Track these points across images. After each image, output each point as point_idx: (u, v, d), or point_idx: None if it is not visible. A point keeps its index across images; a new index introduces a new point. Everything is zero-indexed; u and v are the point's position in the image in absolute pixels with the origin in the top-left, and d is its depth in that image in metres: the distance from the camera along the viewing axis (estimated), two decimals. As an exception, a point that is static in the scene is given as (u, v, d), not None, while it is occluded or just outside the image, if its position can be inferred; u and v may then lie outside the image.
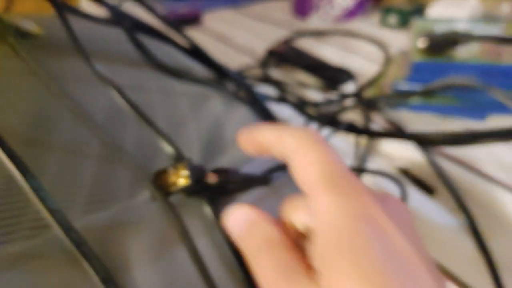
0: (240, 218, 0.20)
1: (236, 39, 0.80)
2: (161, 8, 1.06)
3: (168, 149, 0.26)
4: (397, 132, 0.35)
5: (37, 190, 0.19)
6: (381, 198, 0.17)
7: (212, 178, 0.24)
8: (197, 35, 0.85)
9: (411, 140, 0.33)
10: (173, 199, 0.24)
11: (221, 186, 0.25)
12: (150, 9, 0.39)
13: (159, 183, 0.23)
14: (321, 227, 0.16)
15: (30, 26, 0.41)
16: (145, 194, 0.24)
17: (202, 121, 0.33)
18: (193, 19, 0.89)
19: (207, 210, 0.24)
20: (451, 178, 0.37)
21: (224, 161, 0.29)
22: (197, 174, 0.23)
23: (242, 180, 0.26)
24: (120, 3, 0.52)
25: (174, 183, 0.23)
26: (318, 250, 0.16)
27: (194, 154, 0.29)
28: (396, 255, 0.15)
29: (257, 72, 0.62)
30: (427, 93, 0.43)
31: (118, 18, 0.37)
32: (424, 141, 0.32)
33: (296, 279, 0.16)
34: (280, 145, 0.19)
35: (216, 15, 0.98)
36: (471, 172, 0.39)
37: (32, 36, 0.41)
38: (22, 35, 0.42)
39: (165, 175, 0.24)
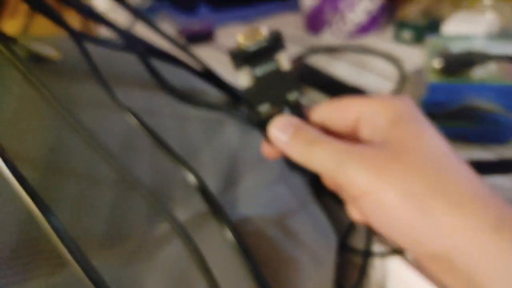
0: (285, 123, 0.22)
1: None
2: (174, 25, 1.07)
3: (189, 177, 0.26)
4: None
5: (56, 228, 0.20)
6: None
7: None
8: (210, 52, 0.85)
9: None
10: (191, 225, 0.24)
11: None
12: (162, 33, 0.39)
13: None
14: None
15: (48, 51, 0.42)
16: (162, 228, 0.24)
17: (217, 148, 0.33)
18: (206, 36, 0.90)
19: (229, 235, 0.24)
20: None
21: (241, 189, 0.29)
22: None
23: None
24: (131, 25, 0.52)
25: None
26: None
27: (209, 182, 0.29)
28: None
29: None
30: (445, 116, 0.43)
31: (131, 43, 0.38)
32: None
33: (353, 159, 0.19)
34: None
35: (228, 31, 0.99)
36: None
37: (50, 61, 0.42)
38: (40, 60, 0.42)
39: None
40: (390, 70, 0.67)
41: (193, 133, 0.34)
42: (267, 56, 0.22)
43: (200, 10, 1.06)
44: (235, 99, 0.42)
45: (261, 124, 0.22)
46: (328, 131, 0.23)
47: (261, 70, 0.22)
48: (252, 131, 0.37)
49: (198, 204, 0.26)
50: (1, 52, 0.22)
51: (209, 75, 0.43)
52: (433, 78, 0.46)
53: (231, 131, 0.36)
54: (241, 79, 0.22)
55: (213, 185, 0.29)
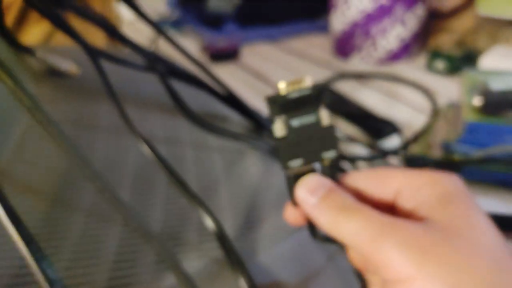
0: (316, 183, 0.19)
1: (274, 77, 0.78)
2: (199, 40, 1.06)
3: (206, 220, 0.24)
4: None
5: (51, 280, 0.17)
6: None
7: None
8: (234, 71, 0.84)
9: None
10: (204, 273, 0.21)
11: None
12: (185, 52, 0.37)
13: None
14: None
15: (66, 65, 0.41)
16: (169, 279, 0.21)
17: (237, 183, 0.30)
18: (231, 54, 0.89)
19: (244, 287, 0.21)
20: None
21: (261, 234, 0.26)
22: None
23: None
24: (153, 41, 0.51)
25: None
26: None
27: (227, 223, 0.26)
28: None
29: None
30: (487, 160, 0.39)
31: (153, 64, 0.36)
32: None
33: (393, 235, 0.16)
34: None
35: (254, 50, 0.97)
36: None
37: (68, 75, 0.41)
38: (57, 74, 0.41)
39: None
40: (421, 101, 0.64)
41: (212, 165, 0.32)
42: (308, 108, 0.20)
43: (227, 26, 1.06)
44: (259, 127, 0.39)
45: (290, 181, 0.20)
46: (363, 201, 0.20)
47: (299, 121, 0.20)
48: (275, 164, 0.35)
49: (214, 250, 0.24)
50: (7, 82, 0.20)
51: (232, 100, 0.41)
52: (472, 117, 0.43)
53: (253, 164, 0.33)
54: (276, 127, 0.20)
55: (231, 227, 0.26)
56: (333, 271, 0.24)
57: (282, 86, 0.20)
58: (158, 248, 0.21)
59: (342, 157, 0.41)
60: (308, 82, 0.20)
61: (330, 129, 0.20)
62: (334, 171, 0.20)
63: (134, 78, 0.42)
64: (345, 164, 0.37)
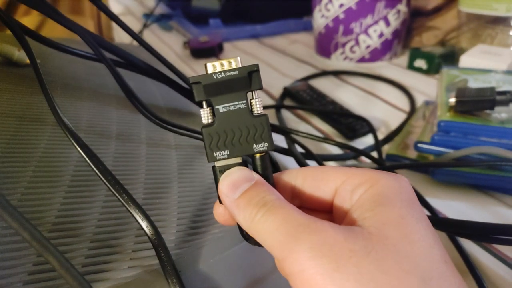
0: (239, 178, 0.17)
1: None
2: (185, 34, 1.04)
3: (143, 225, 0.22)
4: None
5: None
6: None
7: None
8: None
9: (442, 228, 0.27)
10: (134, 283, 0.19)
11: None
12: (153, 52, 0.35)
13: None
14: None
15: (21, 55, 0.38)
16: None
17: (189, 184, 0.28)
18: (213, 50, 0.87)
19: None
20: (479, 267, 0.31)
21: (208, 241, 0.24)
22: None
23: None
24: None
25: None
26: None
27: (171, 227, 0.24)
28: None
29: (271, 114, 0.58)
30: (458, 164, 0.38)
31: (100, 53, 0.34)
32: (461, 233, 0.26)
33: (304, 233, 0.14)
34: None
35: (237, 46, 0.95)
36: (502, 261, 0.33)
37: (25, 66, 0.39)
38: (14, 64, 0.39)
39: None
40: (401, 99, 0.62)
41: (166, 163, 0.30)
42: (238, 93, 0.17)
43: (212, 23, 1.04)
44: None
45: (216, 175, 0.18)
46: (301, 201, 0.18)
47: (228, 107, 0.18)
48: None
49: (148, 259, 0.22)
50: None
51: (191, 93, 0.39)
52: (447, 116, 0.41)
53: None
54: (202, 112, 0.18)
55: (175, 232, 0.24)
56: (281, 276, 0.22)
57: (208, 66, 0.17)
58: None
59: (275, 150, 0.39)
60: (238, 62, 0.18)
61: (262, 118, 0.18)
62: (265, 166, 0.18)
63: (102, 70, 0.40)
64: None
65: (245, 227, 0.16)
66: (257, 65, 0.18)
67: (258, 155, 0.18)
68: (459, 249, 0.32)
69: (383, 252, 0.13)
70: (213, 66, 0.17)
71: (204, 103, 0.18)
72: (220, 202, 0.18)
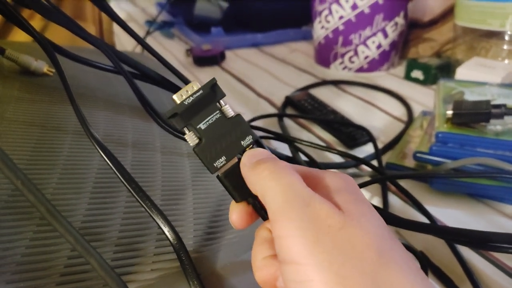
0: (256, 151, 0.20)
1: (257, 81, 0.78)
2: (188, 44, 1.06)
3: (165, 230, 0.23)
4: (427, 227, 0.30)
5: None
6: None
7: None
8: (218, 74, 0.83)
9: (441, 236, 0.29)
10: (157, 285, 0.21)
11: None
12: (162, 61, 0.36)
13: None
14: None
15: (39, 65, 0.40)
16: None
17: (203, 191, 0.30)
18: (216, 59, 0.88)
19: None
20: (476, 273, 0.33)
21: (224, 246, 0.26)
22: None
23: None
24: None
25: None
26: None
27: (189, 232, 0.26)
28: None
29: (273, 122, 0.60)
30: (456, 174, 0.39)
31: (118, 65, 0.35)
32: (459, 241, 0.28)
33: (300, 205, 0.16)
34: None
35: (238, 54, 0.97)
36: (499, 268, 0.34)
37: (41, 75, 0.40)
38: (30, 74, 0.40)
39: None
40: (399, 109, 0.64)
41: (181, 171, 0.31)
42: (208, 107, 0.20)
43: (214, 31, 1.06)
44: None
45: (222, 181, 0.20)
46: None
47: (206, 122, 0.20)
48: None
49: (171, 262, 0.23)
50: None
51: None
52: (444, 127, 0.43)
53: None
54: (188, 138, 0.20)
55: (193, 237, 0.26)
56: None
57: (176, 98, 0.20)
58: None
59: (279, 157, 0.41)
60: (196, 84, 0.20)
61: (237, 118, 0.20)
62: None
63: (113, 79, 0.41)
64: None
65: (253, 183, 0.18)
66: (214, 79, 0.20)
67: (248, 148, 0.20)
68: (457, 256, 0.34)
69: (351, 228, 0.16)
70: (180, 96, 0.20)
71: (185, 129, 0.20)
72: (236, 201, 0.20)
